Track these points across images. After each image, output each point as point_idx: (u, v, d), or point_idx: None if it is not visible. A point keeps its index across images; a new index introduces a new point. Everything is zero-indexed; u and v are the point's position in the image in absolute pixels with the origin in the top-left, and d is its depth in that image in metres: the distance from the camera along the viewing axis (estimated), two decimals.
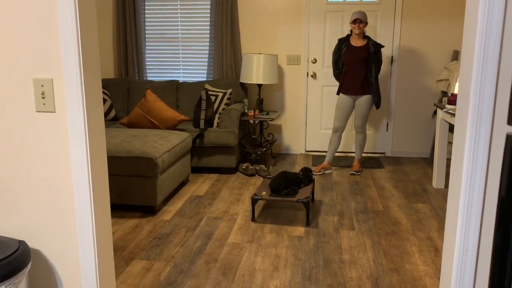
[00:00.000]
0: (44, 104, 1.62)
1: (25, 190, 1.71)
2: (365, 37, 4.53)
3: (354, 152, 4.99)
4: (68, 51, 1.56)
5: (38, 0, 1.56)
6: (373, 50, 4.43)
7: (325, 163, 4.77)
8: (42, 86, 1.61)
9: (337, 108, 4.65)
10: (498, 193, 0.90)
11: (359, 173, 4.76)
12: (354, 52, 4.48)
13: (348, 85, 4.55)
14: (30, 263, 1.69)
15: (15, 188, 1.71)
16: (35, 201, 1.71)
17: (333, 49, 4.85)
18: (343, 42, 4.57)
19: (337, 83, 4.93)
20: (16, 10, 1.58)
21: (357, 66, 4.48)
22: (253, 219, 3.48)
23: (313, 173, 4.53)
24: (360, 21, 4.42)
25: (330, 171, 4.80)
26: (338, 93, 4.65)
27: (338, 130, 4.70)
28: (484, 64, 1.37)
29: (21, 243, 1.67)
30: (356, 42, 4.51)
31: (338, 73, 4.68)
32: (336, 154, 5.59)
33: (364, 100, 4.55)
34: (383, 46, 4.50)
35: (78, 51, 1.56)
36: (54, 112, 1.63)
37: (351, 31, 4.57)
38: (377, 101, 4.54)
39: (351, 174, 4.75)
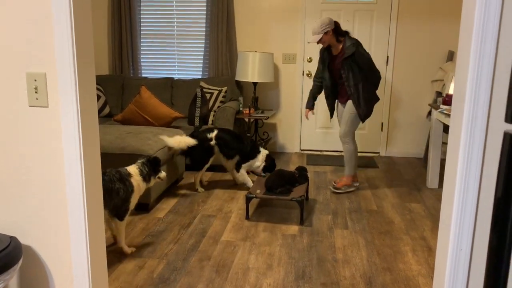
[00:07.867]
0: (37, 99, 1.60)
1: (17, 185, 1.69)
2: (339, 41, 3.87)
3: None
4: (62, 46, 1.55)
5: None
6: (345, 56, 3.80)
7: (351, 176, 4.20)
8: (35, 80, 1.59)
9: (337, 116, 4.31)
10: (495, 193, 0.90)
11: (340, 191, 4.09)
12: (333, 61, 3.99)
13: (335, 93, 4.15)
14: (22, 259, 1.67)
15: (7, 183, 1.69)
16: (27, 197, 1.69)
17: None
18: (325, 50, 4.02)
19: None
20: (9, 3, 1.56)
21: (337, 75, 4.01)
22: (247, 217, 3.47)
23: (336, 190, 4.12)
24: (319, 38, 3.82)
25: (357, 184, 4.26)
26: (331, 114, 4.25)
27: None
28: (480, 65, 1.37)
29: (12, 239, 1.65)
30: (333, 50, 3.96)
31: (319, 85, 4.17)
32: (332, 153, 5.59)
33: (346, 107, 4.01)
34: (359, 44, 3.79)
35: (72, 46, 1.54)
36: (47, 107, 1.61)
37: None
38: (360, 113, 3.90)
39: (329, 187, 4.21)
